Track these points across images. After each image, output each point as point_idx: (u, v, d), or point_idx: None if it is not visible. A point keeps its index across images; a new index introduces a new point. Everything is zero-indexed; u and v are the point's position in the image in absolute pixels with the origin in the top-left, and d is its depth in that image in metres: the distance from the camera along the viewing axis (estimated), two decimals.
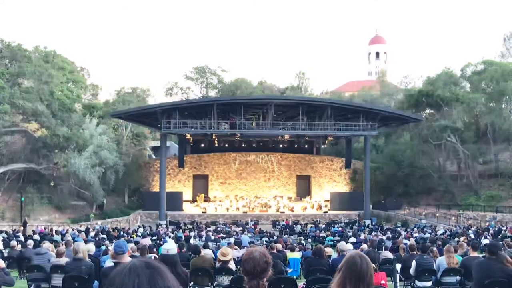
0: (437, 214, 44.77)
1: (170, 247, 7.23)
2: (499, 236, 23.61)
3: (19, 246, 17.26)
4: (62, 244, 14.10)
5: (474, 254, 9.65)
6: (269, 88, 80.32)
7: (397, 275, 12.35)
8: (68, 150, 43.68)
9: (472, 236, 25.29)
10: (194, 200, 52.45)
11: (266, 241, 25.29)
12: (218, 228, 36.65)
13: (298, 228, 38.24)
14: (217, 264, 10.37)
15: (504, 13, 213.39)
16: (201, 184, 55.95)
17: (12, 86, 42.93)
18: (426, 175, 49.86)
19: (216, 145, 51.15)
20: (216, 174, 56.83)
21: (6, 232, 29.71)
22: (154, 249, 15.09)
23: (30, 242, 16.47)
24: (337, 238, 27.86)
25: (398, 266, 12.31)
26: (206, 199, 52.78)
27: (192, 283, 9.68)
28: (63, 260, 9.95)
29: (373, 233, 30.81)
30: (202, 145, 50.95)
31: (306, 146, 55.15)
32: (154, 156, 64.19)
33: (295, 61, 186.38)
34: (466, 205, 44.87)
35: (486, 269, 7.44)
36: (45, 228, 34.95)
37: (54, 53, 52.43)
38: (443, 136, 49.57)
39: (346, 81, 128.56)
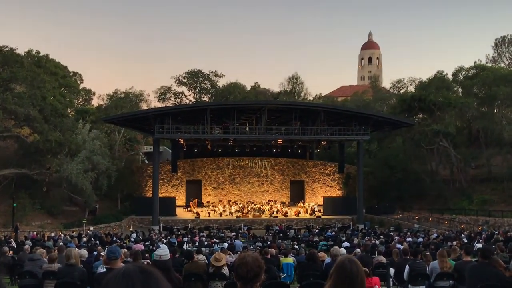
0: (430, 219, 44.90)
1: (163, 253, 7.20)
2: (491, 240, 23.66)
3: (11, 252, 17.13)
4: (55, 250, 14.02)
5: (467, 258, 9.67)
6: (262, 93, 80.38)
7: (391, 279, 12.38)
8: (61, 155, 43.49)
9: (465, 241, 25.35)
10: (187, 205, 52.31)
11: (259, 246, 25.25)
12: (211, 233, 36.58)
13: (291, 233, 38.22)
14: (210, 270, 10.33)
15: (495, 18, 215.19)
16: (194, 189, 55.85)
17: (4, 91, 42.73)
18: (419, 179, 50.03)
19: (209, 150, 51.12)
20: (209, 179, 56.77)
21: None
22: (147, 255, 15.03)
23: (27, 247, 16.27)
24: (330, 242, 27.89)
25: (392, 271, 12.33)
26: (199, 204, 52.65)
27: None
28: (55, 266, 9.89)
29: (366, 238, 30.83)
30: (195, 150, 50.91)
31: (299, 150, 55.26)
32: (147, 161, 64.05)
33: (288, 66, 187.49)
34: (459, 209, 45.02)
35: (479, 274, 7.46)
36: (37, 234, 34.75)
37: (47, 58, 52.37)
38: (436, 141, 49.80)
39: (339, 85, 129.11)
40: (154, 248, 20.48)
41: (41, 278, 10.07)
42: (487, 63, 62.01)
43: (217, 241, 28.71)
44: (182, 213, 49.80)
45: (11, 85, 44.73)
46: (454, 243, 21.41)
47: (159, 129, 43.35)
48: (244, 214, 48.44)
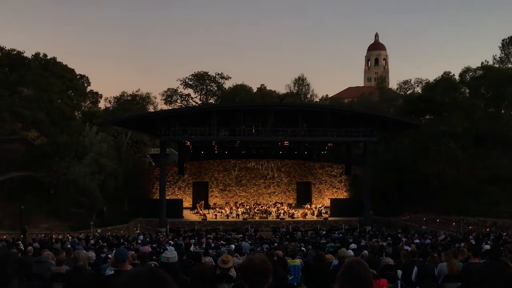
0: (438, 220, 44.68)
1: (170, 255, 7.22)
2: (499, 242, 23.51)
3: (19, 254, 17.20)
4: (62, 252, 14.06)
5: (475, 260, 9.63)
6: (268, 94, 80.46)
7: (398, 281, 12.35)
8: (68, 158, 43.64)
9: (473, 242, 25.20)
10: (194, 207, 52.38)
11: (266, 248, 25.23)
12: (218, 235, 36.55)
13: (298, 234, 38.14)
14: (218, 272, 10.34)
15: (502, 18, 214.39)
16: (201, 191, 55.90)
17: (11, 94, 42.97)
18: (426, 180, 49.80)
19: (216, 152, 51.16)
20: (216, 181, 56.81)
21: (6, 241, 29.65)
22: (154, 257, 15.06)
23: (30, 248, 16.40)
24: (337, 244, 27.80)
25: (399, 272, 12.30)
26: (206, 206, 52.70)
27: None
28: (64, 268, 9.92)
29: (374, 239, 30.72)
30: (202, 152, 50.90)
31: (306, 152, 55.18)
32: (154, 163, 64.19)
33: (294, 68, 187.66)
34: (467, 210, 44.78)
35: (487, 275, 7.43)
36: (45, 236, 34.90)
37: (54, 61, 52.49)
38: (443, 142, 49.57)
39: (345, 87, 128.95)
40: (162, 250, 20.53)
41: (50, 281, 10.10)
42: (494, 63, 61.70)
43: (224, 243, 28.68)
44: (189, 215, 49.88)
45: (19, 88, 44.98)
46: (462, 244, 21.29)
47: (166, 131, 43.44)
48: (250, 216, 48.44)
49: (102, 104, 73.33)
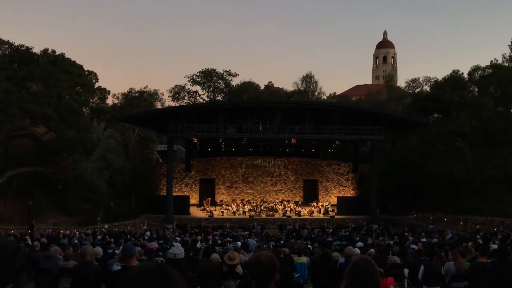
0: (445, 219, 44.50)
1: (177, 251, 7.23)
2: (507, 241, 23.37)
3: (27, 249, 17.29)
4: (70, 247, 14.13)
5: (483, 259, 9.58)
6: (276, 92, 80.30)
7: (405, 280, 12.33)
8: (76, 153, 43.83)
9: (480, 241, 25.07)
10: (200, 204, 52.46)
11: (273, 245, 25.22)
12: (225, 232, 36.59)
13: (305, 232, 38.14)
14: (224, 268, 10.35)
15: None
16: (207, 188, 56.00)
17: (20, 90, 43.17)
18: (433, 179, 49.58)
19: (223, 149, 51.17)
20: (222, 178, 56.87)
21: (14, 236, 29.85)
22: (160, 253, 15.08)
23: (37, 243, 16.49)
24: (344, 242, 27.77)
25: (406, 271, 12.28)
26: (213, 203, 52.76)
27: (198, 287, 9.65)
28: (71, 264, 9.97)
29: (380, 238, 30.65)
30: (209, 149, 50.89)
31: (313, 150, 55.04)
32: (161, 160, 64.32)
33: (302, 65, 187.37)
34: (474, 209, 44.56)
35: (495, 275, 7.39)
36: (52, 231, 35.10)
37: (62, 57, 52.69)
38: (451, 141, 49.34)
39: (353, 85, 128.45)
40: (168, 246, 20.57)
41: (57, 275, 10.15)
42: (503, 62, 61.28)
43: (231, 240, 28.68)
44: (195, 212, 49.97)
45: (27, 84, 45.19)
46: (469, 243, 21.20)
47: (173, 128, 43.53)
48: (257, 213, 48.47)
49: (110, 101, 73.51)
